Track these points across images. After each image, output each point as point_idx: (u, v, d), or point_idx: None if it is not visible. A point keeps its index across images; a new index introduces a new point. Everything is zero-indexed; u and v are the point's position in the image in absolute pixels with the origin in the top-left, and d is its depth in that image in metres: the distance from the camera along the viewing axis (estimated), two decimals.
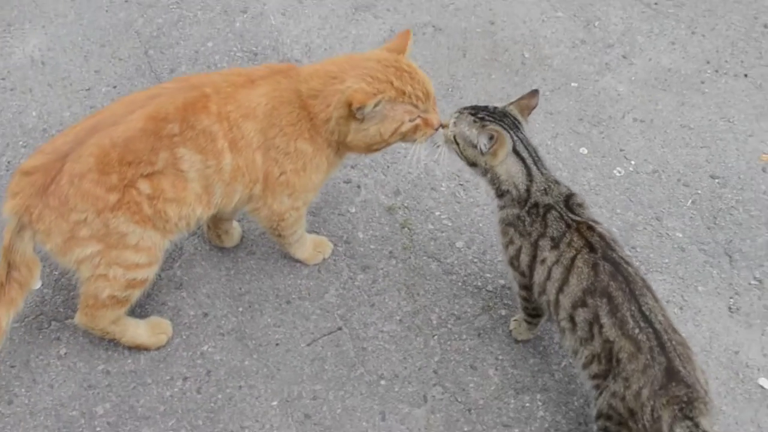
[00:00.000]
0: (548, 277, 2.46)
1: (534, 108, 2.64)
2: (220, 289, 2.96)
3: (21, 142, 3.32)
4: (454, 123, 2.60)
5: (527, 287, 2.58)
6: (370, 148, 2.63)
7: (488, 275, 3.02)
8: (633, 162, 3.35)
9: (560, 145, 3.40)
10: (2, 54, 3.63)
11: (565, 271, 2.42)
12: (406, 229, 3.14)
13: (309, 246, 3.00)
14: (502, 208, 2.60)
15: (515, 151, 2.53)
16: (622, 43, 3.80)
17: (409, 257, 3.06)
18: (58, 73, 3.57)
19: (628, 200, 3.23)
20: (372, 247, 3.09)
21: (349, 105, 2.45)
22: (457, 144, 2.59)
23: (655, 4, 3.99)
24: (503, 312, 2.93)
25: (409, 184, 3.26)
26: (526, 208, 2.52)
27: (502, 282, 3.00)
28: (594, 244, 2.41)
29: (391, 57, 2.56)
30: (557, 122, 3.48)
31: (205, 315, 2.90)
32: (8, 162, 3.24)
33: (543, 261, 2.48)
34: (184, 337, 2.84)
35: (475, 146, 2.53)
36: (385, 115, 2.52)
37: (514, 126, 2.56)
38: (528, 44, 3.78)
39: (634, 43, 3.81)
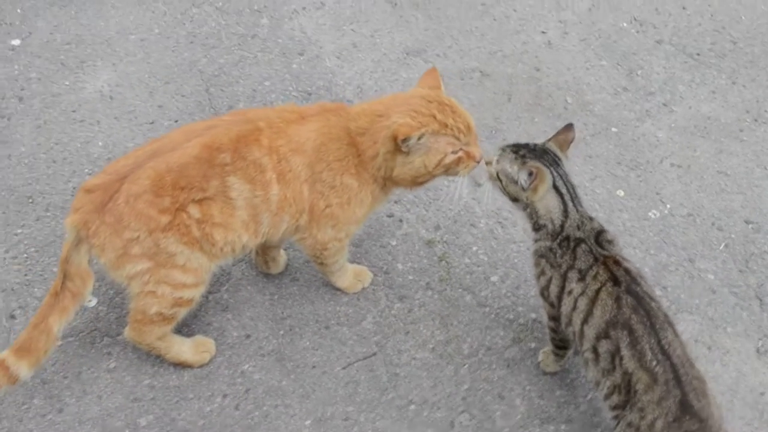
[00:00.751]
0: (574, 307, 2.55)
1: (572, 141, 2.72)
2: (263, 312, 3.09)
3: (87, 170, 3.51)
4: (497, 160, 2.69)
5: (555, 318, 2.68)
6: (415, 181, 2.73)
7: (520, 309, 3.11)
8: (668, 205, 3.44)
9: (598, 186, 3.49)
10: (74, 88, 3.86)
11: (590, 302, 2.50)
12: (443, 262, 3.25)
13: (350, 275, 3.12)
14: (536, 240, 2.69)
15: (555, 187, 2.62)
16: (663, 92, 3.91)
17: (445, 289, 3.17)
18: (125, 107, 3.78)
19: (662, 242, 3.31)
20: (410, 278, 3.21)
21: (395, 138, 2.57)
22: (500, 180, 2.69)
23: (698, 54, 4.09)
24: (533, 345, 3.01)
25: (449, 220, 3.39)
26: (558, 240, 2.62)
27: (533, 316, 3.09)
28: (619, 277, 2.49)
29: (432, 93, 2.68)
30: (596, 165, 3.58)
31: (248, 336, 3.03)
32: (73, 188, 3.42)
33: (570, 292, 2.56)
34: (227, 356, 2.96)
35: (516, 182, 2.63)
36: (429, 147, 2.62)
37: (554, 162, 2.65)
38: (571, 90, 3.90)
39: (675, 91, 3.91)
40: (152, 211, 2.56)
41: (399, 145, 2.59)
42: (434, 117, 2.61)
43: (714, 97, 3.88)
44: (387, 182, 2.75)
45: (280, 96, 3.83)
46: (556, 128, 3.60)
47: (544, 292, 2.68)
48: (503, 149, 2.71)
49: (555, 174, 2.63)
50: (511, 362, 2.97)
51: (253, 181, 2.63)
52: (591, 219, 2.64)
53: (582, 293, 2.53)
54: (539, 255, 2.68)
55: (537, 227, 2.68)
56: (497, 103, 3.83)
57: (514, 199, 2.70)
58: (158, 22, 4.18)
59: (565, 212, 2.62)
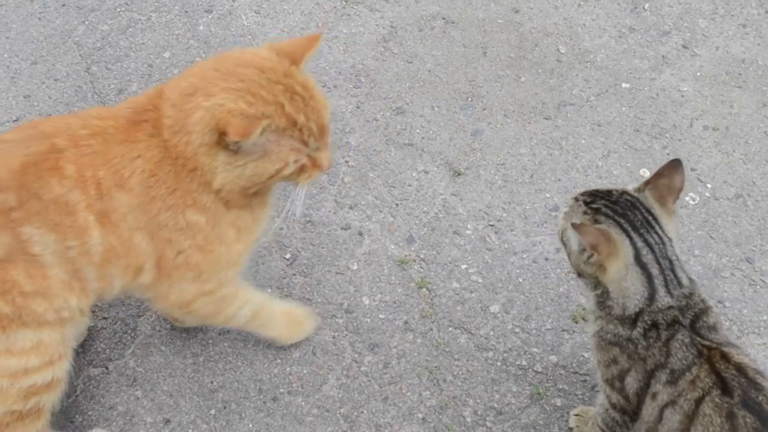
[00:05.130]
0: (660, 419, 1.73)
1: (680, 190, 1.84)
2: (185, 383, 2.28)
3: None
4: (565, 214, 1.87)
5: (625, 411, 1.86)
6: (244, 192, 1.88)
7: (535, 350, 2.31)
8: (709, 185, 2.63)
9: (614, 166, 2.67)
10: None
11: (685, 419, 1.68)
12: (424, 289, 2.43)
13: (279, 323, 2.29)
14: (598, 318, 1.88)
15: (639, 264, 1.77)
16: (680, 29, 3.06)
17: (431, 329, 2.36)
18: None
19: (708, 237, 2.51)
20: (381, 316, 2.38)
21: (222, 133, 1.71)
22: (564, 245, 1.88)
23: None
24: (558, 402, 2.23)
25: (425, 227, 2.55)
26: (640, 329, 1.78)
27: (553, 359, 2.29)
28: (728, 381, 1.66)
29: (280, 67, 1.80)
30: (608, 136, 2.75)
31: (167, 422, 2.22)
32: None
33: (654, 396, 1.75)
34: None
35: (583, 250, 1.80)
36: (267, 151, 1.78)
37: (645, 224, 1.79)
38: (563, 36, 3.04)
39: (695, 28, 3.06)
40: None
41: (224, 141, 1.72)
42: (282, 107, 1.75)
43: (745, 33, 3.05)
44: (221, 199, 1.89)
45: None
46: (550, 88, 2.81)
47: (614, 383, 1.86)
48: (576, 198, 1.87)
49: (641, 243, 1.76)
50: (532, 430, 2.20)
51: (60, 229, 1.81)
52: (690, 295, 1.79)
53: (671, 403, 1.71)
54: (609, 342, 1.84)
55: (602, 305, 1.83)
56: (470, 59, 2.96)
57: (579, 274, 1.87)
58: None
59: (651, 299, 1.77)
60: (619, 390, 1.85)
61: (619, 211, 1.78)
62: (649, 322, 1.77)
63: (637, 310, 1.78)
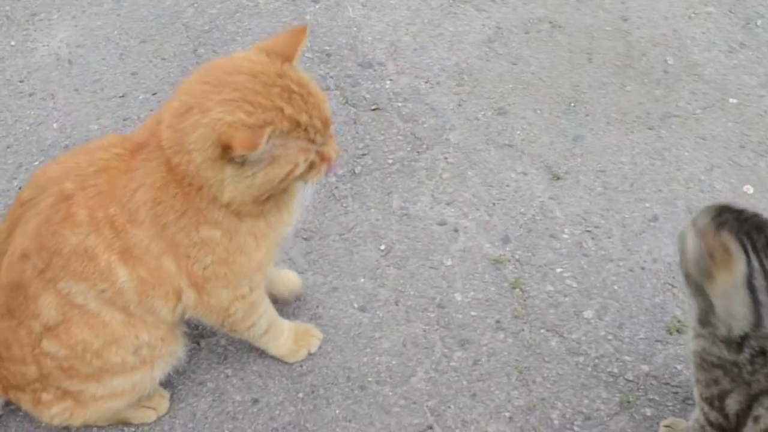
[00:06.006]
0: None
1: None
2: (274, 365, 2.29)
3: (37, 162, 2.68)
4: (692, 219, 1.82)
5: (723, 429, 1.82)
6: (257, 201, 1.82)
7: (627, 358, 2.28)
8: None
9: (717, 180, 2.63)
10: (23, 50, 3.00)
11: None
12: (517, 290, 2.41)
13: (286, 338, 2.28)
14: (698, 336, 1.84)
15: (749, 286, 1.72)
16: None
17: (522, 329, 2.34)
18: (88, 76, 2.93)
19: None
20: (473, 313, 2.37)
21: (227, 147, 1.64)
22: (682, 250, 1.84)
23: None
24: (648, 412, 2.20)
25: (522, 228, 2.54)
26: (747, 354, 1.74)
27: (645, 369, 2.26)
28: None
29: (273, 68, 1.72)
30: (712, 150, 2.71)
31: (255, 402, 2.23)
32: (19, 187, 2.61)
33: (757, 419, 1.72)
34: (227, 431, 2.17)
35: (699, 257, 1.75)
36: (275, 157, 1.71)
37: (766, 249, 1.73)
38: (671, 47, 3.00)
39: None
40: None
41: (228, 155, 1.66)
42: (281, 111, 1.68)
43: None
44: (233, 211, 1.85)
45: None
46: (655, 99, 2.79)
47: (714, 402, 1.82)
48: (708, 207, 1.82)
49: (757, 266, 1.70)
50: None
51: (86, 277, 1.83)
52: None
53: None
54: (712, 364, 1.80)
55: (704, 322, 1.79)
56: (575, 65, 2.94)
57: (685, 275, 1.83)
58: None
59: (757, 325, 1.71)
60: (719, 409, 1.81)
61: (744, 230, 1.73)
62: (756, 348, 1.73)
63: (742, 333, 1.74)
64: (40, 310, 1.85)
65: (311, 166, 1.81)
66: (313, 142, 1.76)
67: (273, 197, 1.86)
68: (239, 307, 2.01)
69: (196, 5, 3.13)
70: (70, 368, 1.94)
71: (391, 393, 2.24)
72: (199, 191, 1.76)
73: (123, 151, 1.83)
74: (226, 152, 1.66)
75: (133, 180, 1.79)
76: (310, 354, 2.31)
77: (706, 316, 1.78)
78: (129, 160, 1.81)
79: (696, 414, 1.94)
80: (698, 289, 1.79)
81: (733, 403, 1.78)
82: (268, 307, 2.17)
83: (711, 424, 1.86)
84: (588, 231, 2.54)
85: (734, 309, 1.71)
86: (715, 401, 1.81)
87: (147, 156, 1.79)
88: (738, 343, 1.73)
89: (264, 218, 1.89)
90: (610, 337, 2.33)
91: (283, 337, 2.26)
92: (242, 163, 1.69)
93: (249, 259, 1.91)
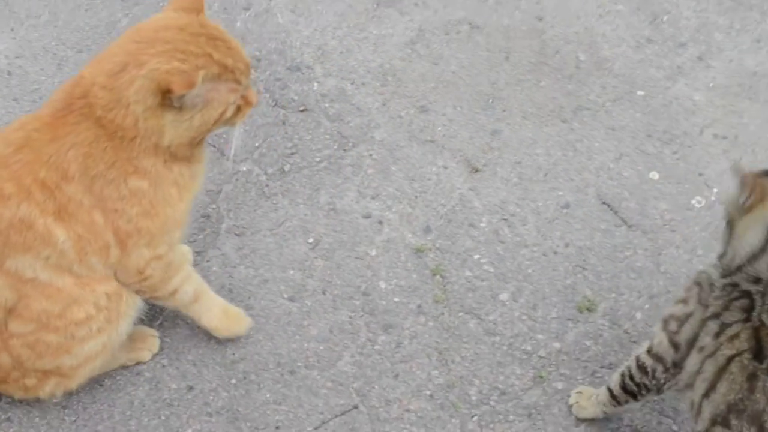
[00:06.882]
0: (699, 370, 1.87)
1: None
2: (208, 354, 2.42)
3: None
4: (736, 171, 1.94)
5: (663, 361, 1.98)
6: (192, 143, 1.99)
7: (540, 336, 2.44)
8: (715, 190, 2.74)
9: (625, 168, 2.79)
10: None
11: (716, 372, 1.82)
12: (438, 276, 2.56)
13: (216, 311, 2.39)
14: (710, 266, 1.99)
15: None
16: (696, 42, 3.17)
17: (442, 313, 2.49)
18: (27, 85, 3.02)
19: (711, 239, 2.62)
20: (396, 300, 2.51)
21: (166, 92, 1.82)
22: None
23: None
24: (560, 385, 2.35)
25: (442, 219, 2.68)
26: (726, 281, 1.90)
27: (557, 345, 2.42)
28: (765, 349, 1.78)
29: (195, 21, 1.92)
30: (621, 140, 2.87)
31: (190, 389, 2.36)
32: None
33: (701, 349, 1.88)
34: (163, 417, 2.31)
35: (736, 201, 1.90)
36: (209, 99, 1.90)
37: None
38: (583, 44, 3.16)
39: (710, 41, 3.17)
40: None
41: (168, 100, 1.84)
42: (210, 56, 1.88)
43: (759, 47, 3.15)
44: (174, 154, 2.00)
45: None
46: (568, 93, 2.95)
47: (670, 323, 1.97)
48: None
49: None
50: (533, 410, 2.32)
51: (28, 247, 1.95)
52: None
53: (711, 354, 1.84)
54: (695, 281, 1.97)
55: (721, 252, 1.94)
56: (493, 63, 3.09)
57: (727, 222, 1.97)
58: None
59: (755, 258, 1.85)
60: (672, 333, 1.95)
61: None
62: (736, 281, 1.87)
63: (740, 263, 1.86)
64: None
65: (238, 110, 2.00)
66: (239, 83, 1.95)
67: (199, 145, 2.04)
68: (156, 268, 2.12)
69: (130, 15, 3.24)
70: (36, 343, 2.04)
71: (318, 376, 2.38)
72: (131, 141, 1.90)
73: (41, 125, 1.94)
74: (165, 97, 1.83)
75: (64, 143, 1.91)
76: (238, 336, 2.42)
77: (725, 247, 1.92)
78: (53, 130, 1.92)
79: (624, 367, 2.10)
80: (729, 223, 1.93)
81: (687, 330, 1.92)
82: (192, 274, 2.29)
83: (649, 351, 2.01)
84: (504, 219, 2.69)
85: (747, 238, 1.85)
86: (672, 322, 1.96)
87: (75, 119, 1.91)
88: (728, 272, 1.89)
89: (189, 168, 2.05)
90: (524, 317, 2.48)
91: (216, 308, 2.37)
92: (180, 107, 1.86)
93: (173, 211, 2.05)
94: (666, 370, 1.98)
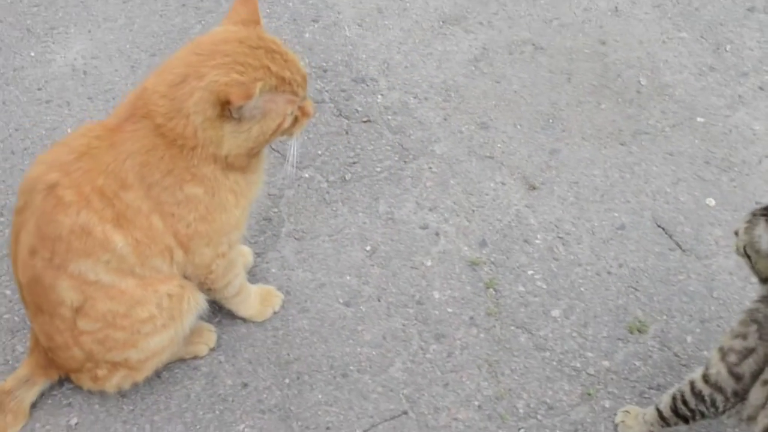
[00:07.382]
0: (764, 405, 1.89)
1: None
2: (264, 354, 2.48)
3: None
4: (744, 230, 2.00)
5: (723, 391, 1.99)
6: (250, 154, 2.06)
7: (590, 354, 2.46)
8: None
9: (682, 193, 2.82)
10: (42, 61, 3.20)
11: None
12: (491, 290, 2.60)
13: (253, 300, 2.50)
14: (760, 300, 2.02)
15: None
16: (758, 72, 3.19)
17: (494, 326, 2.53)
18: (101, 85, 3.13)
19: None
20: (449, 310, 2.56)
21: (225, 103, 1.87)
22: (748, 257, 2.01)
23: None
24: (607, 403, 2.38)
25: (498, 233, 2.72)
26: None
27: (606, 364, 2.44)
28: None
29: (252, 34, 1.98)
30: (679, 165, 2.90)
31: (245, 386, 2.42)
32: None
33: (765, 382, 1.90)
34: (218, 412, 2.36)
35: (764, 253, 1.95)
36: (267, 111, 1.96)
37: None
38: (645, 69, 3.20)
39: None
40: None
41: (227, 111, 1.90)
42: (268, 68, 1.94)
43: None
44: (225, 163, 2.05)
45: None
46: (628, 116, 2.97)
47: (729, 356, 1.99)
48: (754, 214, 2.00)
49: None
50: (579, 427, 2.35)
51: (89, 252, 2.01)
52: None
53: None
54: (753, 319, 1.99)
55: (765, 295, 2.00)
56: (554, 84, 3.13)
57: (765, 280, 2.01)
58: None
59: None
60: (732, 364, 1.96)
61: None
62: None
63: None
64: (62, 296, 2.04)
65: (295, 121, 2.06)
66: (296, 95, 2.01)
67: (256, 156, 2.10)
68: (219, 264, 2.21)
69: (203, 22, 3.34)
70: (105, 339, 2.13)
71: (370, 381, 2.43)
72: (192, 151, 1.97)
73: (103, 132, 2.02)
74: (224, 108, 1.90)
75: (122, 151, 1.98)
76: (274, 312, 2.53)
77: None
78: (112, 137, 1.99)
79: (675, 388, 2.11)
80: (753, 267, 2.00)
81: (751, 363, 1.94)
82: (241, 271, 2.38)
83: (707, 379, 2.02)
84: (559, 237, 2.72)
85: None
86: (731, 355, 1.97)
87: (134, 127, 1.98)
88: None
89: (244, 177, 2.11)
90: (575, 334, 2.52)
91: (251, 298, 2.47)
92: (239, 118, 1.93)
93: (228, 216, 2.12)
94: (726, 399, 1.99)
